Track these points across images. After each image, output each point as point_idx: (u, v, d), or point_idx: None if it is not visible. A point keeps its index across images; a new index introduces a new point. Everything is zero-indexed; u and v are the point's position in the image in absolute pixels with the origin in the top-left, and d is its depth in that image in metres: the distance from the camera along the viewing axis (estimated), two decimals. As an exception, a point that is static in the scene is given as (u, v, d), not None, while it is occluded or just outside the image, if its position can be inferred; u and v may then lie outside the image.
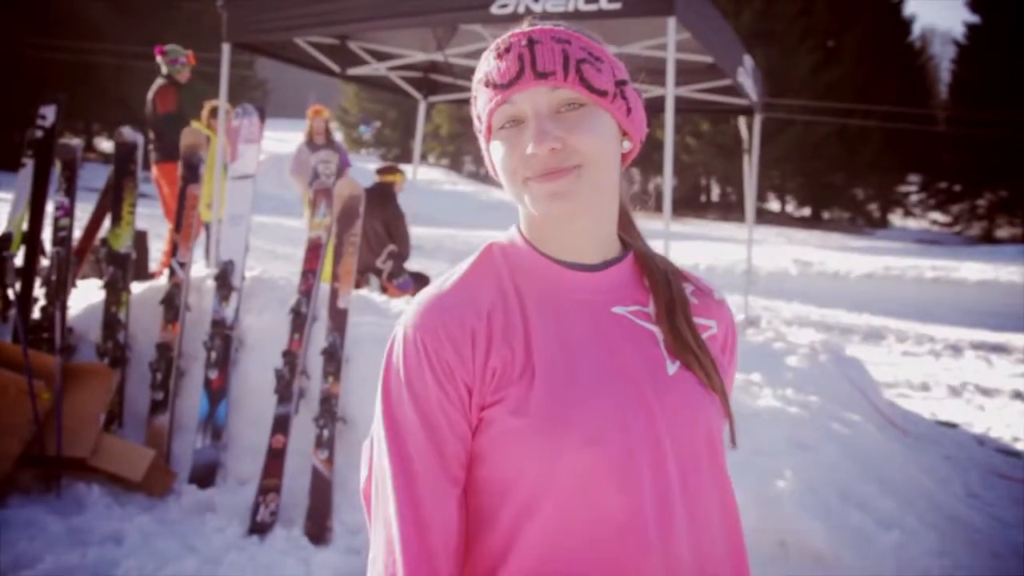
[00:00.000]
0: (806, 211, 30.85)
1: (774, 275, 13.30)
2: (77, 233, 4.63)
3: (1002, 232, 27.21)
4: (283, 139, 22.23)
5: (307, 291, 4.11)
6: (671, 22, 4.35)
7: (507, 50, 1.00)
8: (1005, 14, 25.53)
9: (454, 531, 0.98)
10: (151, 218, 9.34)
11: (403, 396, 0.99)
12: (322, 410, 3.80)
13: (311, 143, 7.61)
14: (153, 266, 6.91)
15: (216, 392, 4.08)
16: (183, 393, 4.20)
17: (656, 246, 1.20)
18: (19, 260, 4.34)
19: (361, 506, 1.06)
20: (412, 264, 6.89)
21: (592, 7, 4.31)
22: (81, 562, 3.17)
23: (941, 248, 21.65)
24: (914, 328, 10.26)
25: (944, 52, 42.17)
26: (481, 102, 1.03)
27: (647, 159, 15.39)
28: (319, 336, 4.03)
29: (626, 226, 1.12)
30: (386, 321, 4.28)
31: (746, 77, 6.10)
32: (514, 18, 4.21)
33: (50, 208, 4.45)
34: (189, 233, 4.45)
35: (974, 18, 27.72)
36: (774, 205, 30.59)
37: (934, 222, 29.80)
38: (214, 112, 6.58)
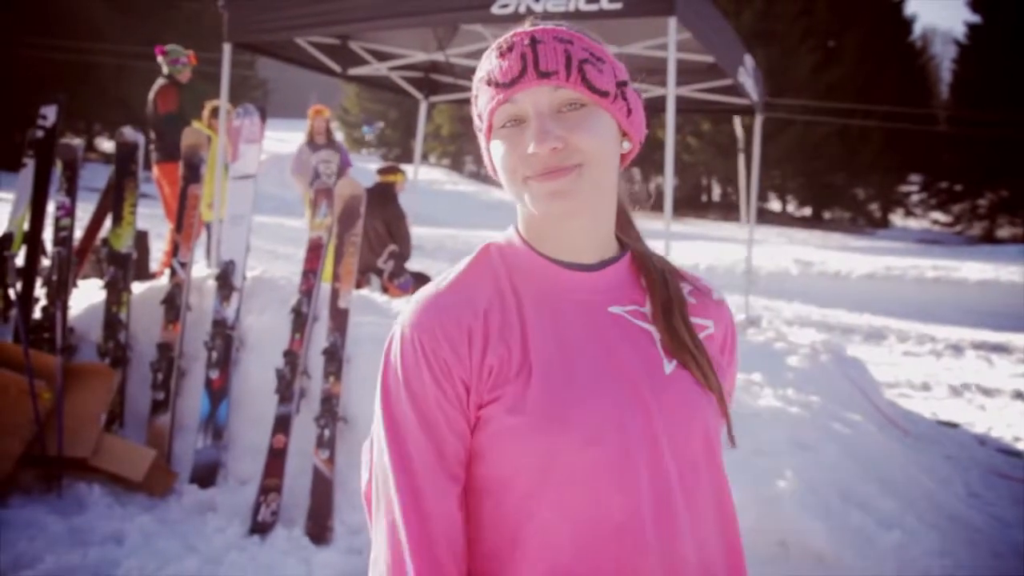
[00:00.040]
0: (807, 211, 30.86)
1: (775, 275, 13.29)
2: (78, 233, 4.64)
3: (1003, 232, 27.22)
4: (284, 139, 22.24)
5: (308, 291, 4.11)
6: (672, 22, 4.35)
7: (510, 49, 1.00)
8: (1006, 14, 25.55)
9: (455, 527, 0.99)
10: (152, 218, 9.35)
11: (401, 395, 1.00)
12: (323, 410, 3.80)
13: (312, 143, 7.61)
14: (154, 266, 6.91)
15: (217, 392, 4.08)
16: (184, 393, 4.20)
17: (657, 246, 1.20)
18: (20, 260, 4.34)
19: (362, 506, 1.06)
20: (413, 264, 6.90)
21: (593, 7, 4.31)
22: (82, 562, 3.17)
23: (942, 248, 21.64)
24: (915, 328, 10.25)
25: (945, 52, 42.19)
26: (482, 100, 1.03)
27: (648, 159, 15.39)
28: (320, 336, 4.03)
29: (624, 226, 1.12)
30: (387, 321, 4.28)
31: (747, 77, 6.10)
32: (515, 18, 4.21)
33: (51, 208, 4.45)
34: (190, 233, 4.45)
35: (975, 18, 27.75)
36: (775, 205, 30.58)
37: (935, 222, 29.80)
38: (215, 112, 6.59)
